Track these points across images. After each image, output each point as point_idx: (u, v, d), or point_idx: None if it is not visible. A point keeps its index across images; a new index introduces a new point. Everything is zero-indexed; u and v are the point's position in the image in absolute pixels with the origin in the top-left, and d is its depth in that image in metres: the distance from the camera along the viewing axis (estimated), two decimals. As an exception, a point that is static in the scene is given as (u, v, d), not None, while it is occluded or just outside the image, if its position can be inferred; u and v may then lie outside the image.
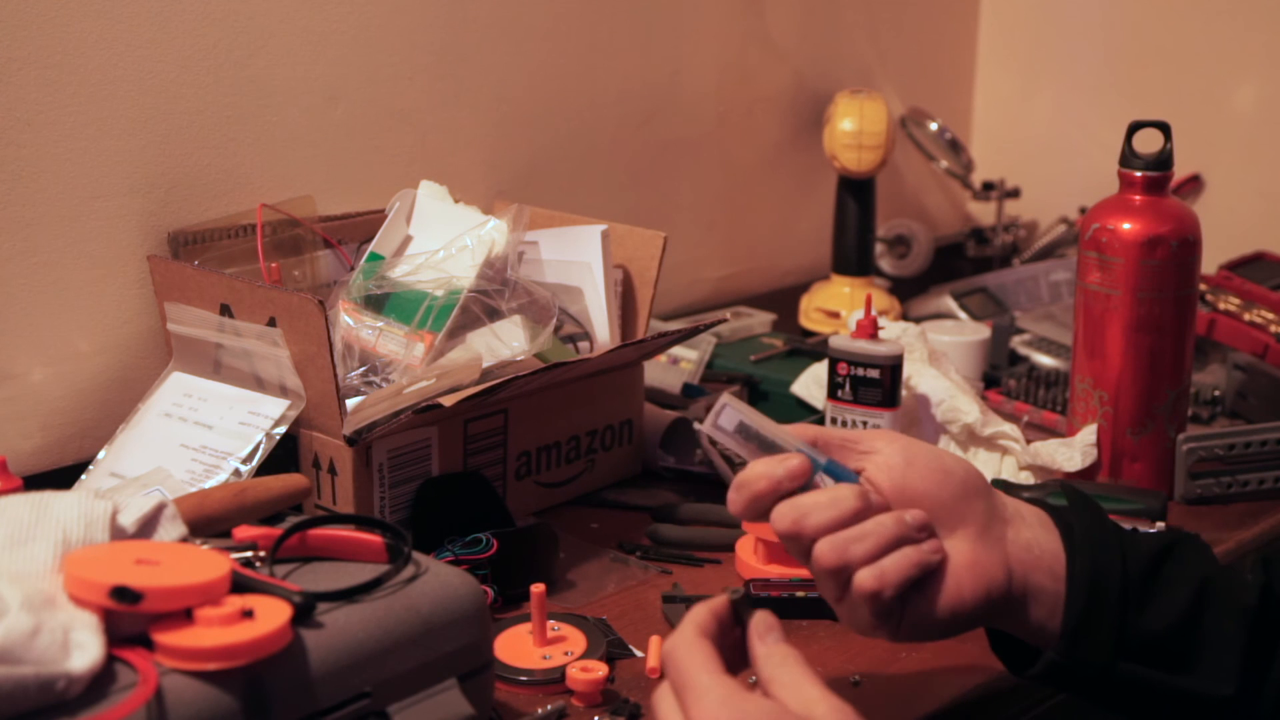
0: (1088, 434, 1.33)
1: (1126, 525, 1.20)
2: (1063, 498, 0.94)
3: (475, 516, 1.19)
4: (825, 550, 0.85)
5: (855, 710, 0.70)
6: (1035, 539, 0.89)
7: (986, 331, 1.64)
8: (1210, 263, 1.42)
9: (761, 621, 0.75)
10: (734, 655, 0.75)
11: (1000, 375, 1.60)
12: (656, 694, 0.74)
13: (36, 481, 1.04)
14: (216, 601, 0.79)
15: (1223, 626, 0.88)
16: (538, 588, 1.04)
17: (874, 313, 1.33)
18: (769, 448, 0.89)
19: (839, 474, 0.88)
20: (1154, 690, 0.88)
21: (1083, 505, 0.92)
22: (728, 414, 0.89)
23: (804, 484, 0.87)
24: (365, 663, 0.84)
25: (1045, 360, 1.65)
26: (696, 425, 1.39)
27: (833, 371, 1.33)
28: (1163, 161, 1.30)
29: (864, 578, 0.85)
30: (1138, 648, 0.88)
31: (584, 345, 1.35)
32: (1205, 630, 0.88)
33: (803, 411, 1.50)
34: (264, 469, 1.16)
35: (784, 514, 0.86)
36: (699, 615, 0.76)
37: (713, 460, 1.35)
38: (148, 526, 0.88)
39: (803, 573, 1.10)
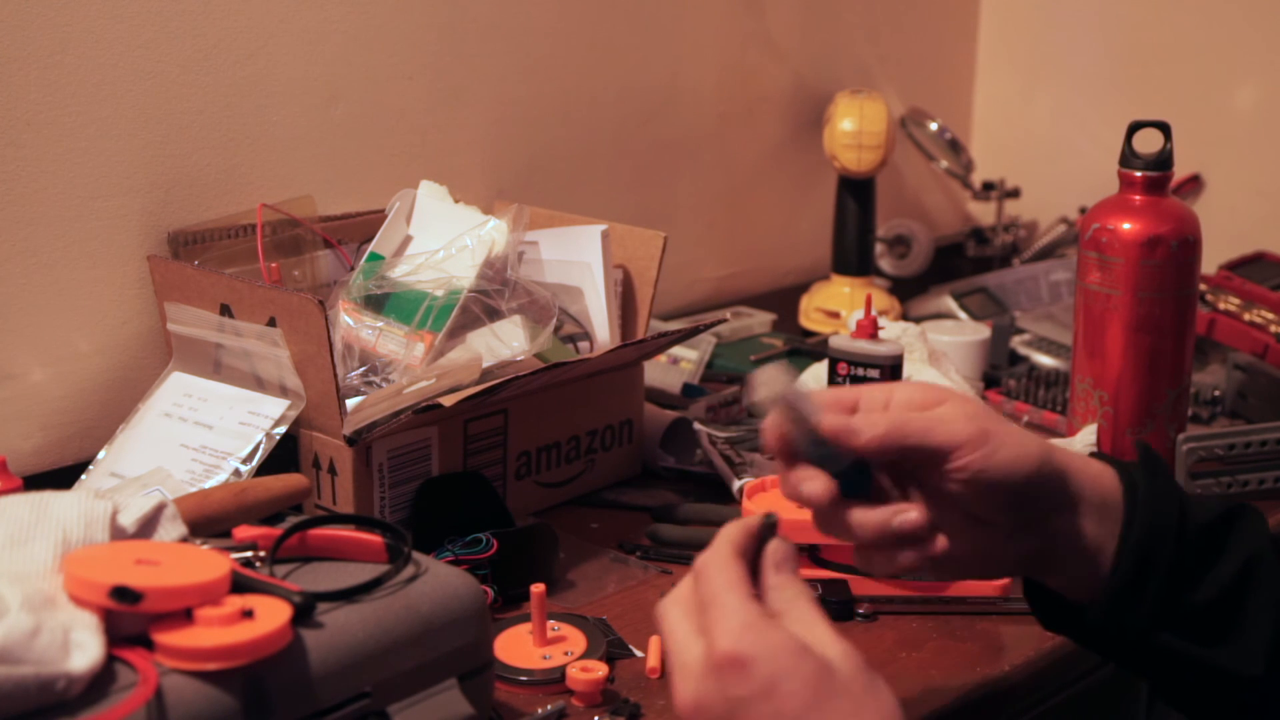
0: (1088, 434, 1.33)
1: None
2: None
3: (475, 516, 1.19)
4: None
5: (866, 666, 0.70)
6: (1083, 529, 0.86)
7: (986, 331, 1.64)
8: (1210, 263, 1.42)
9: (779, 550, 0.74)
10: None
11: (1000, 375, 1.60)
12: (665, 602, 0.73)
13: (36, 481, 1.04)
14: (216, 601, 0.79)
15: (1262, 605, 0.87)
16: (538, 588, 1.04)
17: (874, 313, 1.33)
18: (820, 454, 0.84)
19: (856, 485, 0.85)
20: (1184, 661, 0.87)
21: (1152, 466, 0.90)
22: (800, 405, 0.83)
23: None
24: (365, 663, 0.84)
25: (1045, 360, 1.65)
26: (697, 426, 1.39)
27: (833, 371, 1.33)
28: (1163, 161, 1.30)
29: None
30: (1177, 618, 0.86)
31: (584, 345, 1.35)
32: (1245, 607, 0.87)
33: (803, 411, 1.50)
34: (264, 469, 1.16)
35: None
36: (734, 534, 0.75)
37: (713, 460, 1.35)
38: (148, 526, 0.88)
39: (805, 573, 1.10)
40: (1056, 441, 0.97)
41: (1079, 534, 0.87)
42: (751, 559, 0.74)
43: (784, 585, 0.73)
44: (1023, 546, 0.87)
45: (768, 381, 0.86)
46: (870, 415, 0.83)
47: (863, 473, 0.85)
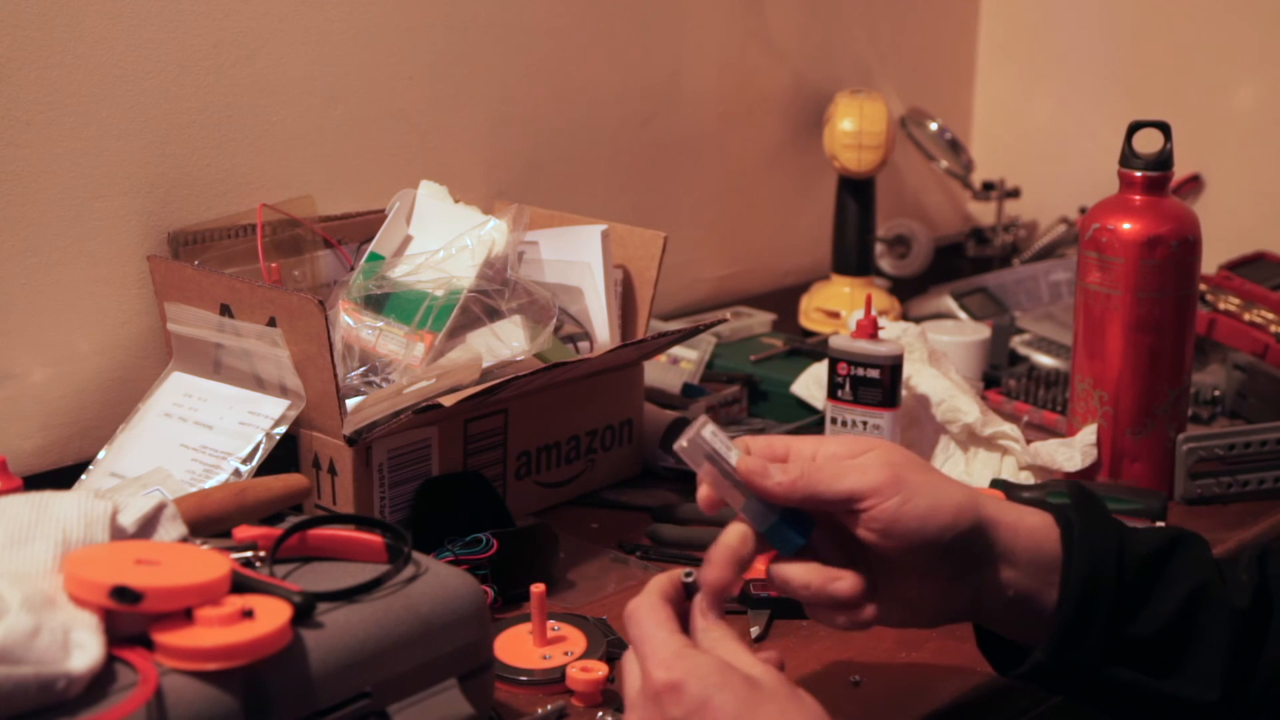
0: (1088, 434, 1.33)
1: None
2: (1065, 496, 0.94)
3: (475, 516, 1.19)
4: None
5: (788, 680, 0.78)
6: (1012, 580, 0.88)
7: (986, 331, 1.64)
8: (1210, 263, 1.42)
9: (703, 600, 0.84)
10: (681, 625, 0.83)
11: (1000, 375, 1.60)
12: (623, 659, 0.82)
13: (36, 481, 1.04)
14: (216, 601, 0.79)
15: (1212, 631, 0.88)
16: (538, 588, 1.04)
17: (874, 313, 1.33)
18: (749, 508, 0.89)
19: (785, 541, 0.88)
20: (1140, 693, 0.88)
21: (1086, 504, 0.91)
22: (699, 442, 0.88)
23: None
24: (365, 663, 0.84)
25: (1045, 360, 1.65)
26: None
27: (833, 371, 1.33)
28: (1163, 161, 1.30)
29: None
30: (1127, 651, 0.88)
31: (584, 345, 1.35)
32: (1194, 635, 0.88)
33: (803, 411, 1.50)
34: (264, 469, 1.16)
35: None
36: (661, 582, 0.84)
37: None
38: (148, 526, 0.88)
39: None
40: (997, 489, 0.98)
41: (1010, 584, 0.88)
42: (677, 604, 0.84)
43: (710, 628, 0.82)
44: (956, 597, 0.89)
45: (689, 431, 0.87)
46: (789, 470, 0.87)
47: (795, 527, 0.88)
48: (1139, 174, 1.30)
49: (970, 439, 1.36)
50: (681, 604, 0.85)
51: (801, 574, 0.88)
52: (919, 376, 1.37)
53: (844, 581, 0.87)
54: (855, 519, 0.87)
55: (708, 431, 0.88)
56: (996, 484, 1.29)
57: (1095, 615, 0.87)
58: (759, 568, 1.15)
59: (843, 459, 0.88)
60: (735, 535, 0.87)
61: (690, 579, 0.85)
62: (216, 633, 0.78)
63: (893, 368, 1.31)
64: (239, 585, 0.82)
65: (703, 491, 0.89)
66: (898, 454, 0.88)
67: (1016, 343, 1.68)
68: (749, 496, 0.88)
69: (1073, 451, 1.32)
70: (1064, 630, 0.87)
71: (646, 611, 0.81)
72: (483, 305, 1.28)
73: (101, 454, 1.24)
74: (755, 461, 0.87)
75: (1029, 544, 0.88)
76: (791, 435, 0.93)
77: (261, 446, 1.18)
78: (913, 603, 0.90)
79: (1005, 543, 0.88)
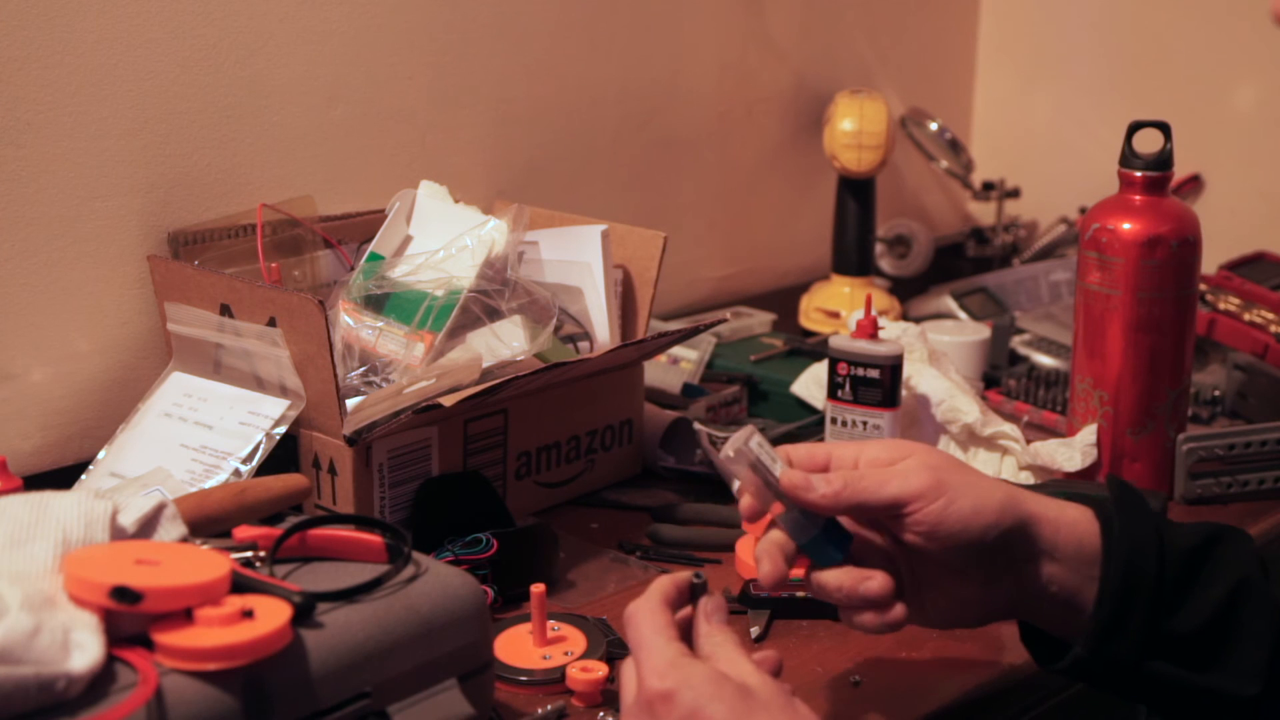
0: (1088, 434, 1.33)
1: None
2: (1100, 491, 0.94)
3: (475, 516, 1.19)
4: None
5: (784, 688, 0.78)
6: (1055, 576, 0.89)
7: (986, 331, 1.64)
8: (1210, 263, 1.42)
9: (708, 604, 0.83)
10: (683, 629, 0.83)
11: (1000, 375, 1.60)
12: (624, 664, 0.82)
13: (36, 481, 1.04)
14: (216, 601, 0.79)
15: (1254, 626, 0.88)
16: (538, 588, 1.04)
17: (874, 313, 1.33)
18: (789, 520, 0.89)
19: (824, 556, 0.89)
20: (1180, 687, 0.88)
21: (1125, 498, 0.91)
22: (745, 452, 0.88)
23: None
24: (365, 663, 0.84)
25: (1045, 360, 1.65)
26: (697, 426, 1.39)
27: (833, 371, 1.33)
28: (1163, 161, 1.30)
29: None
30: (1167, 645, 0.88)
31: (584, 345, 1.35)
32: (1236, 629, 0.88)
33: (803, 411, 1.50)
34: (264, 469, 1.16)
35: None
36: (664, 585, 0.84)
37: (713, 460, 1.35)
38: (148, 526, 0.88)
39: (802, 573, 1.10)
40: (1031, 485, 0.98)
41: (1053, 580, 0.89)
42: (678, 608, 0.84)
43: (713, 633, 0.82)
44: (1000, 595, 0.90)
45: (735, 441, 0.88)
46: (832, 480, 0.87)
47: (835, 542, 0.89)
48: (1139, 174, 1.30)
49: (970, 439, 1.36)
50: (683, 607, 0.85)
51: (835, 578, 0.89)
52: (919, 376, 1.37)
53: (874, 581, 0.88)
54: (900, 523, 0.88)
55: (754, 443, 0.88)
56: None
57: (1135, 610, 0.87)
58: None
59: (884, 465, 0.89)
60: (780, 536, 0.89)
61: (700, 581, 0.85)
62: (216, 633, 0.78)
63: (893, 368, 1.31)
64: (239, 585, 0.82)
65: (745, 502, 0.90)
66: (937, 456, 0.89)
67: (1016, 343, 1.68)
68: (790, 507, 0.89)
69: (1073, 451, 1.32)
70: (1104, 625, 0.87)
71: (645, 616, 0.82)
72: (483, 305, 1.28)
73: (101, 454, 1.24)
74: (798, 475, 0.88)
75: (1070, 539, 0.89)
76: (830, 442, 0.93)
77: (261, 446, 1.18)
78: (957, 601, 0.91)
79: (1047, 539, 0.89)
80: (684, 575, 0.85)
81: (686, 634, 0.83)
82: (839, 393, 1.33)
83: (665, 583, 0.84)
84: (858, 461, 0.90)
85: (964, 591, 0.90)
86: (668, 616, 0.82)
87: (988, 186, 2.08)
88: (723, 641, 0.82)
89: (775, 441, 1.44)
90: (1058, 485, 1.28)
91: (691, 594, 0.85)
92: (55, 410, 1.31)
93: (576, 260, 1.36)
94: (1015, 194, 2.09)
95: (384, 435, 1.16)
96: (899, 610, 0.89)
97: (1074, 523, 0.89)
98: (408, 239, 1.37)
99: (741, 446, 0.88)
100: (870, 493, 0.87)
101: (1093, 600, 0.88)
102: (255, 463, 1.17)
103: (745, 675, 0.79)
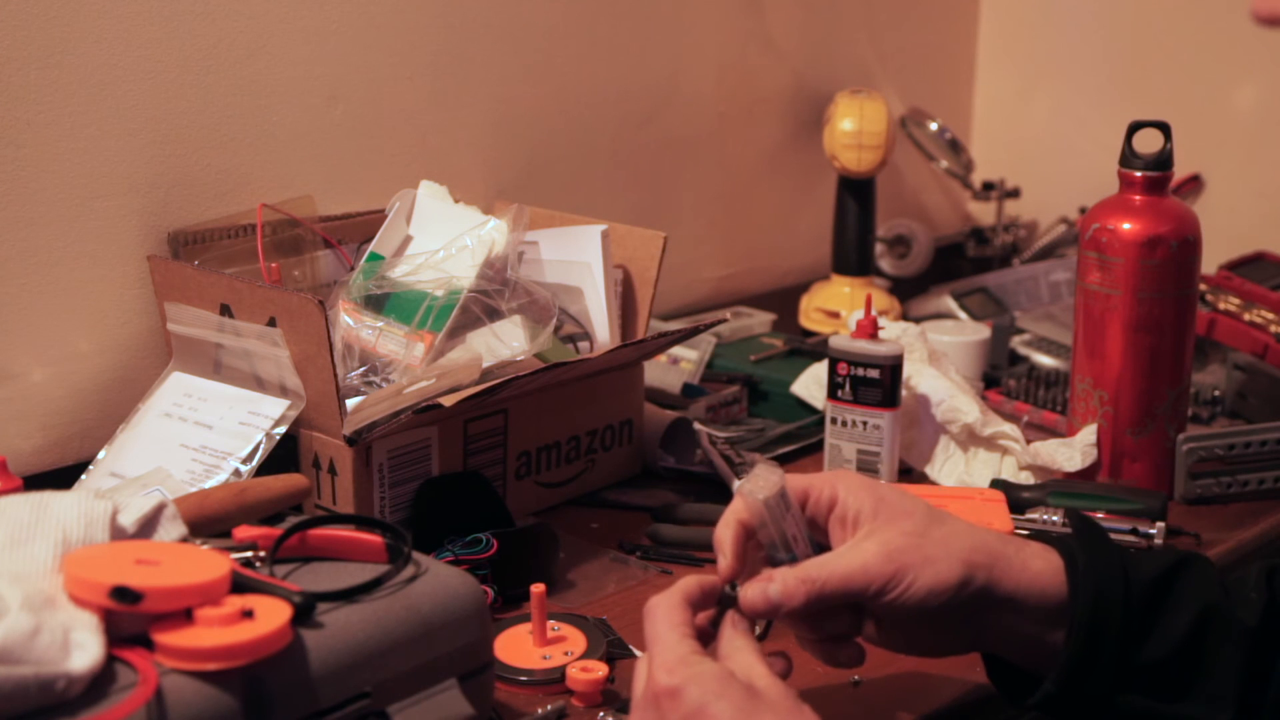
0: (1088, 434, 1.33)
1: (1126, 525, 1.21)
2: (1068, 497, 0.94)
3: (475, 516, 1.19)
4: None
5: (792, 693, 0.79)
6: (1018, 624, 0.89)
7: (986, 331, 1.64)
8: (1210, 263, 1.42)
9: (736, 615, 0.85)
10: (704, 634, 0.85)
11: (1000, 375, 1.60)
12: (639, 659, 0.83)
13: (36, 481, 1.04)
14: (216, 601, 0.79)
15: (1222, 651, 0.88)
16: (538, 588, 1.04)
17: (874, 313, 1.33)
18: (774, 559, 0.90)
19: None
20: (1153, 718, 0.88)
21: (1088, 534, 0.91)
22: (772, 504, 0.88)
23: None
24: (365, 663, 0.84)
25: (1045, 360, 1.65)
26: (697, 426, 1.39)
27: (833, 371, 1.33)
28: (1163, 161, 1.30)
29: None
30: (1137, 677, 0.88)
31: (584, 345, 1.35)
32: (1204, 656, 0.88)
33: (803, 411, 1.50)
34: (264, 469, 1.16)
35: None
36: (688, 583, 0.85)
37: (713, 460, 1.35)
38: (148, 526, 0.88)
39: None
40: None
41: (1017, 628, 0.90)
42: (699, 608, 0.85)
43: (735, 637, 0.85)
44: (963, 637, 0.91)
45: (760, 476, 0.88)
46: (788, 583, 0.87)
47: None
48: (1139, 174, 1.30)
49: (970, 439, 1.36)
50: (705, 610, 0.85)
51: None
52: (919, 376, 1.37)
53: (844, 654, 0.93)
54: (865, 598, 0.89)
55: (773, 500, 0.88)
56: (996, 484, 1.29)
57: (1104, 644, 0.87)
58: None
59: (850, 534, 0.89)
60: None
61: (732, 593, 0.86)
62: (216, 633, 0.78)
63: (893, 368, 1.31)
64: (239, 585, 0.82)
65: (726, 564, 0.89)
66: (898, 535, 0.88)
67: (1016, 343, 1.68)
68: (773, 550, 0.90)
69: (1073, 451, 1.32)
70: (1074, 661, 0.87)
71: (665, 611, 0.83)
72: (483, 305, 1.28)
73: (101, 454, 1.24)
74: (755, 595, 0.87)
75: (1034, 591, 0.89)
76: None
77: (261, 446, 1.18)
78: (919, 643, 0.92)
79: (1008, 591, 0.89)
80: (711, 579, 0.86)
81: (705, 636, 0.84)
82: (839, 393, 1.33)
83: (691, 581, 0.86)
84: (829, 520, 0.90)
85: (926, 635, 0.91)
86: (685, 614, 0.83)
87: (988, 186, 2.08)
88: (743, 646, 0.83)
89: (775, 442, 1.45)
90: (1057, 485, 1.28)
91: (720, 604, 0.85)
92: (55, 410, 1.31)
93: (576, 260, 1.36)
94: (1015, 194, 2.09)
95: (384, 435, 1.16)
96: (852, 651, 0.92)
97: (1037, 575, 0.89)
98: (408, 239, 1.37)
99: (772, 500, 0.88)
100: (836, 592, 0.87)
101: (1059, 642, 0.88)
102: (255, 463, 1.17)
103: (755, 677, 0.80)
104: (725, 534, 0.89)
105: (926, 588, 0.87)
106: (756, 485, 0.87)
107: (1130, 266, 1.29)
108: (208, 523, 0.96)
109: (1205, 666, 0.88)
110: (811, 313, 1.83)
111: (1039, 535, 0.93)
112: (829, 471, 0.93)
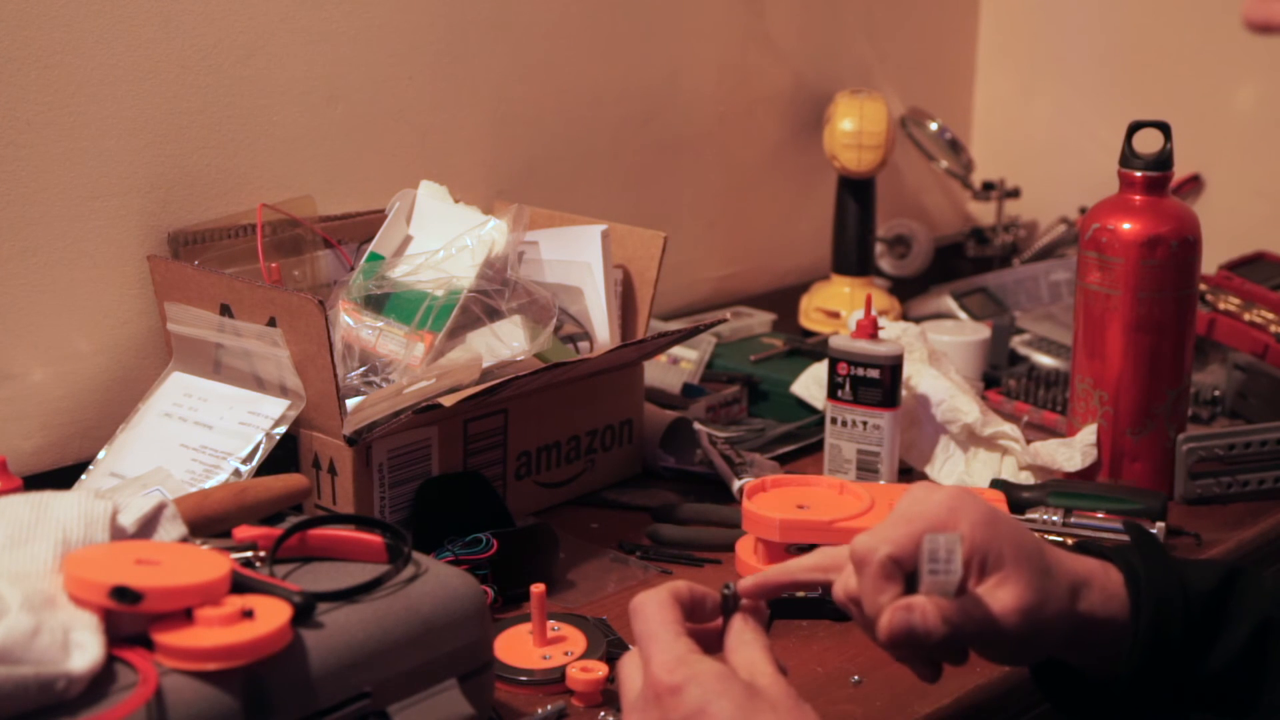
0: (1088, 434, 1.33)
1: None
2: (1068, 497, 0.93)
3: (475, 516, 1.19)
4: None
5: (794, 692, 0.78)
6: (1080, 656, 0.89)
7: (986, 331, 1.64)
8: (1210, 263, 1.42)
9: (746, 609, 0.85)
10: (708, 639, 0.83)
11: (1000, 375, 1.60)
12: (623, 659, 0.82)
13: (36, 481, 1.04)
14: (216, 601, 0.79)
15: None
16: (538, 588, 1.04)
17: (874, 313, 1.33)
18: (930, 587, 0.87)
19: None
20: None
21: (1146, 546, 0.90)
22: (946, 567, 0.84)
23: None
24: (365, 663, 0.84)
25: (1045, 360, 1.65)
26: (697, 426, 1.39)
27: (833, 371, 1.33)
28: (1163, 161, 1.30)
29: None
30: (1198, 688, 0.88)
31: (584, 345, 1.35)
32: (1264, 668, 0.88)
33: (803, 411, 1.50)
34: (264, 469, 1.16)
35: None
36: (679, 585, 0.84)
37: (713, 460, 1.35)
38: (148, 526, 0.88)
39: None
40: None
41: (1090, 638, 0.87)
42: (687, 608, 0.84)
43: (745, 630, 0.84)
44: (1039, 654, 0.90)
45: (945, 546, 0.84)
46: (929, 615, 0.83)
47: None
48: (1139, 174, 1.30)
49: (970, 439, 1.36)
50: (690, 610, 0.85)
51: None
52: (919, 376, 1.37)
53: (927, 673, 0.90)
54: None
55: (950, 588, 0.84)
56: (996, 484, 1.29)
57: (1166, 661, 0.87)
58: (759, 568, 1.16)
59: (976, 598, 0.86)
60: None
61: (730, 592, 0.85)
62: (216, 633, 0.78)
63: (893, 368, 1.31)
64: (239, 585, 0.82)
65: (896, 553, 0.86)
66: (1028, 590, 0.84)
67: (1016, 343, 1.68)
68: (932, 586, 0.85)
69: (1073, 451, 1.32)
70: (1137, 674, 0.87)
71: (656, 608, 0.82)
72: (483, 305, 1.28)
73: (101, 454, 1.24)
74: (899, 621, 0.84)
75: (1103, 605, 0.88)
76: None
77: (261, 446, 1.18)
78: (1001, 658, 0.91)
79: (1091, 609, 0.87)
80: (702, 587, 0.86)
81: (714, 644, 0.84)
82: (839, 393, 1.33)
83: (680, 584, 0.85)
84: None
85: (1014, 655, 0.90)
86: (676, 612, 0.82)
87: (988, 186, 2.08)
88: (751, 640, 0.82)
89: (775, 442, 1.45)
90: (1057, 485, 1.28)
91: (724, 604, 0.85)
92: (55, 410, 1.31)
93: (576, 260, 1.36)
94: (1015, 194, 2.09)
95: (384, 435, 1.16)
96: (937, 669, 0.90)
97: (1104, 584, 0.87)
98: (408, 239, 1.37)
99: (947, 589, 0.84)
100: (969, 629, 0.84)
101: (1121, 656, 0.87)
102: (255, 463, 1.17)
103: (758, 674, 0.79)
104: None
105: (1043, 631, 0.85)
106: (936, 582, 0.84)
107: (1130, 266, 1.29)
108: (208, 523, 0.96)
109: (1265, 678, 0.88)
110: (811, 313, 1.83)
111: (1084, 547, 0.92)
112: (948, 498, 0.86)
